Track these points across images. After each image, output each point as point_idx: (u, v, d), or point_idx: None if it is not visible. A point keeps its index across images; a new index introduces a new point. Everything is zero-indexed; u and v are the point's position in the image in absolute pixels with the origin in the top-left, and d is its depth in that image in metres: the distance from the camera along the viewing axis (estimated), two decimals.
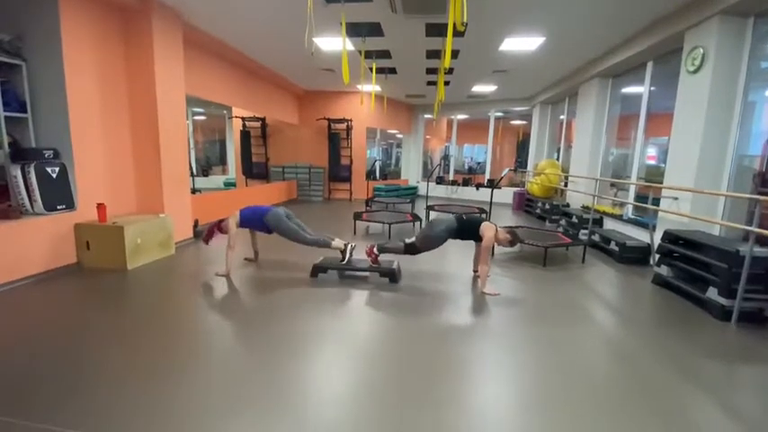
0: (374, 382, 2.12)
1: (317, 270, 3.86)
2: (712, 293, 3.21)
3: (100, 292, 3.41)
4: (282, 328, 2.74)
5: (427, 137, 13.79)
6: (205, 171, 12.83)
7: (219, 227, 3.92)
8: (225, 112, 11.54)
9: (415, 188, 12.18)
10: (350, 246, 3.91)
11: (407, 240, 3.82)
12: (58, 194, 3.77)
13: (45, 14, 3.62)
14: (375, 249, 3.82)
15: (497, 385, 2.16)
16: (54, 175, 3.71)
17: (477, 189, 11.52)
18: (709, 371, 2.37)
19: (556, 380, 2.19)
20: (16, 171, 3.57)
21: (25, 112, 3.71)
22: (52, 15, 3.61)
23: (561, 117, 9.13)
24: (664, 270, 3.90)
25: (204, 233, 4.04)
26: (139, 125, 4.54)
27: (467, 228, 3.68)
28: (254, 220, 3.93)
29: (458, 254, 4.88)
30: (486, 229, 3.58)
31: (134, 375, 2.11)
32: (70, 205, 3.88)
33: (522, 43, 5.60)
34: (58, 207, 3.77)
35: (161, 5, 4.39)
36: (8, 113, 3.56)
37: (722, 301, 3.10)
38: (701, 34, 4.01)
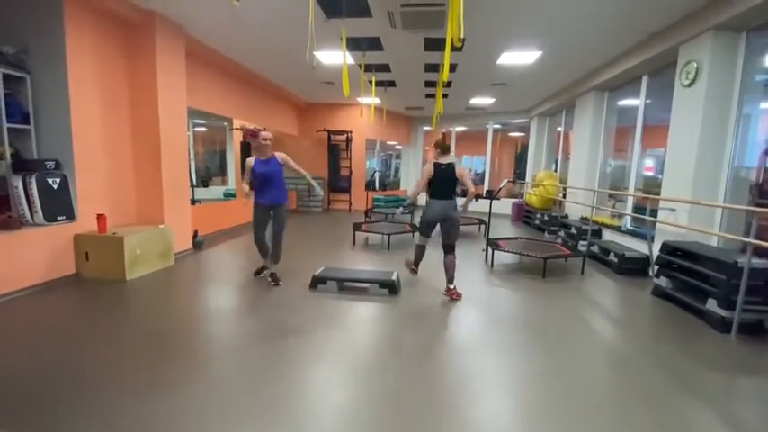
0: (375, 394, 2.11)
1: (317, 281, 3.85)
2: (712, 305, 3.21)
3: (98, 303, 3.39)
4: (282, 340, 2.73)
5: (426, 148, 13.88)
6: (205, 182, 12.84)
7: (254, 134, 3.77)
8: (225, 123, 11.60)
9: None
10: (267, 272, 4.02)
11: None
12: (59, 205, 3.78)
13: (50, 28, 3.68)
14: (452, 287, 3.78)
15: (497, 397, 2.15)
16: (55, 187, 3.72)
17: (476, 200, 11.51)
18: (709, 382, 2.36)
19: (556, 391, 2.18)
20: (17, 182, 3.59)
21: (28, 123, 3.75)
22: (57, 29, 3.67)
23: (559, 129, 9.22)
24: (663, 281, 3.90)
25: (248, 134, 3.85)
26: (141, 137, 4.58)
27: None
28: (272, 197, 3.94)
29: (458, 267, 4.88)
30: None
31: (132, 387, 2.10)
32: (70, 216, 3.88)
33: (519, 57, 5.69)
34: (59, 218, 3.78)
35: (164, 20, 4.47)
36: (11, 125, 3.60)
37: (722, 312, 3.10)
38: (694, 49, 4.08)
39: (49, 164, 3.73)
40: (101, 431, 1.75)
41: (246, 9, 4.15)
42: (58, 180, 3.75)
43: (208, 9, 4.24)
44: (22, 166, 3.65)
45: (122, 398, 2.00)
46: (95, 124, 4.13)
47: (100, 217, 3.98)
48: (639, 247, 4.98)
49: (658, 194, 4.64)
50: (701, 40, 3.99)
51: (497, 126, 11.76)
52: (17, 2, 3.68)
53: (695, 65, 4.04)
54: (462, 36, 2.89)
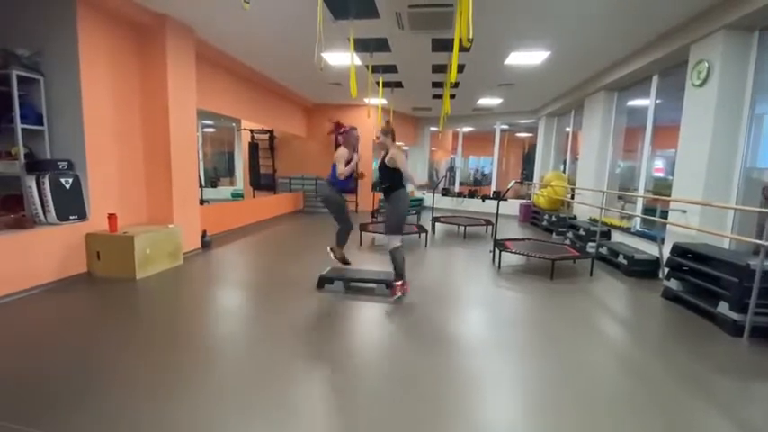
0: (380, 395, 2.12)
1: (324, 281, 3.87)
2: (723, 308, 3.16)
3: (109, 301, 3.44)
4: (289, 340, 2.75)
5: (433, 149, 13.86)
6: (213, 182, 12.97)
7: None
8: (234, 124, 11.71)
9: (421, 200, 12.19)
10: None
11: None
12: (71, 205, 3.84)
13: (63, 31, 3.74)
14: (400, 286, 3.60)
15: (504, 401, 2.14)
16: (67, 186, 3.78)
17: (483, 201, 11.51)
18: (721, 387, 2.33)
19: (565, 395, 2.17)
20: (31, 182, 3.65)
21: (42, 124, 3.81)
22: (70, 32, 3.73)
23: (567, 129, 9.14)
24: (673, 284, 3.85)
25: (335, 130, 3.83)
26: (151, 138, 4.64)
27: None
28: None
29: (465, 269, 4.86)
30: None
31: (141, 386, 2.13)
32: (82, 216, 3.94)
33: (527, 57, 5.65)
34: (71, 217, 3.84)
35: (175, 22, 4.52)
36: (25, 126, 3.66)
37: (734, 315, 3.05)
38: (706, 48, 4.03)
39: (62, 164, 3.80)
40: (110, 428, 1.78)
41: (256, 11, 4.18)
42: (70, 180, 3.81)
43: (218, 12, 4.28)
44: (35, 166, 3.71)
45: (129, 396, 2.03)
46: (107, 125, 4.19)
47: (111, 217, 4.04)
48: (649, 248, 4.92)
49: (668, 196, 4.58)
50: (712, 39, 3.94)
51: (505, 126, 11.70)
52: (31, 5, 3.75)
53: (706, 64, 3.99)
54: (471, 37, 2.88)
